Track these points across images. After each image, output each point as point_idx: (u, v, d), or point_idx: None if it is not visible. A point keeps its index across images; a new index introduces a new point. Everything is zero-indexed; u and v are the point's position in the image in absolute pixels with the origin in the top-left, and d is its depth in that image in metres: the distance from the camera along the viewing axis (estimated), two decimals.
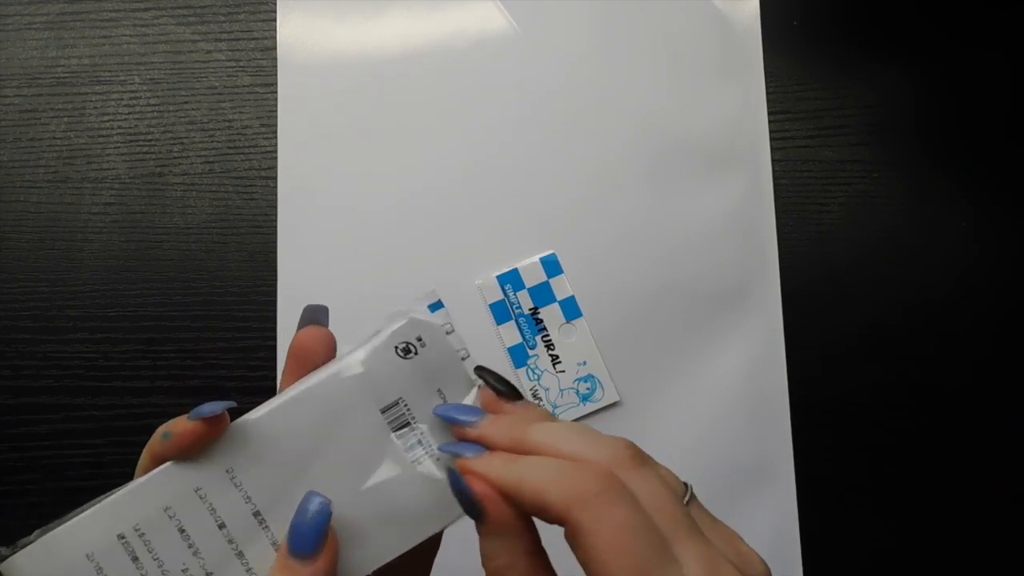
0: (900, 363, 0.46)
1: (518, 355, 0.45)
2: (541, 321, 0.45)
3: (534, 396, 0.44)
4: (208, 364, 0.45)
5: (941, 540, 0.45)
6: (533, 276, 0.45)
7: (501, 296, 0.45)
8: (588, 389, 0.45)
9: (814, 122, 0.48)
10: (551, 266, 0.45)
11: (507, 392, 0.25)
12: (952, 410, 0.46)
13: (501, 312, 0.45)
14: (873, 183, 0.48)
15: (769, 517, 0.44)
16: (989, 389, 0.46)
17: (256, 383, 0.45)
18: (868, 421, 0.46)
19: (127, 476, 0.44)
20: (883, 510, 0.45)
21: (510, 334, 0.45)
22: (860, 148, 0.48)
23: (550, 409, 0.43)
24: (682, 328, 0.46)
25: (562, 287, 0.45)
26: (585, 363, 0.45)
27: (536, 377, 0.44)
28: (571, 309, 0.45)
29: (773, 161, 0.47)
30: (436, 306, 0.45)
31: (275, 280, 0.45)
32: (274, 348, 0.45)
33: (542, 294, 0.45)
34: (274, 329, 0.45)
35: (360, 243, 0.46)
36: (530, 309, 0.45)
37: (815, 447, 0.45)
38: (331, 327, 0.45)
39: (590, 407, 0.45)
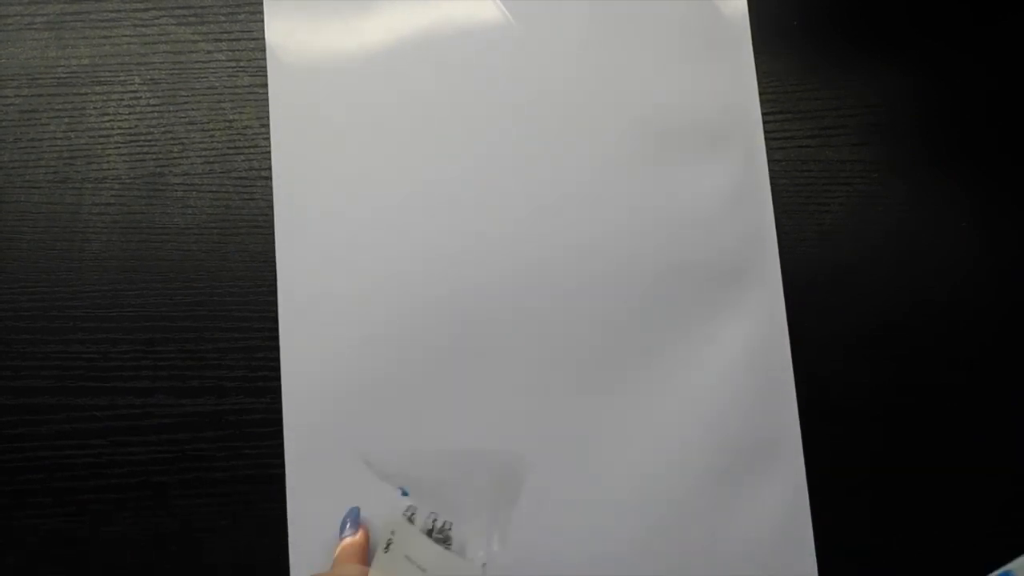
0: (900, 363, 0.46)
1: None
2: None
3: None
4: (208, 364, 0.45)
5: (936, 539, 0.45)
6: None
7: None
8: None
9: (814, 122, 0.48)
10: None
11: None
12: (951, 409, 0.46)
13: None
14: (873, 183, 0.48)
15: (778, 492, 0.44)
16: (989, 388, 0.46)
17: (256, 383, 0.45)
18: (868, 418, 0.46)
19: (127, 476, 0.44)
20: (881, 505, 0.45)
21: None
22: (860, 148, 0.48)
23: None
24: (683, 310, 0.46)
25: None
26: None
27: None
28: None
29: (773, 161, 0.47)
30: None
31: (275, 280, 0.45)
32: (275, 348, 0.45)
33: None
34: (275, 329, 0.45)
35: (358, 239, 0.46)
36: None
37: (813, 445, 0.45)
38: (336, 321, 0.45)
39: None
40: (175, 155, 0.47)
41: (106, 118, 0.47)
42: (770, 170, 0.47)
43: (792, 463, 0.45)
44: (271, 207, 0.46)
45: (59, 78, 0.47)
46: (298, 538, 0.43)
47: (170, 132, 0.47)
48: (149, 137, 0.47)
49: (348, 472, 0.44)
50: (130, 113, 0.47)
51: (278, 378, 0.45)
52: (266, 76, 0.47)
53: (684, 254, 0.46)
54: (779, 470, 0.45)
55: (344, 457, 0.44)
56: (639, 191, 0.46)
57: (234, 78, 0.47)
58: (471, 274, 0.45)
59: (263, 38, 0.47)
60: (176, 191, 0.46)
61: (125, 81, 0.47)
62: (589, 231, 0.46)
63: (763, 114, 0.48)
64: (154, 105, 0.47)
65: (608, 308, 0.46)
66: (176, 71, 0.47)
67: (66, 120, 0.47)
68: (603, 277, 0.46)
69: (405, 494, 0.43)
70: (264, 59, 0.47)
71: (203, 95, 0.47)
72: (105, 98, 0.47)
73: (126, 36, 0.47)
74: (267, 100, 0.47)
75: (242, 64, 0.47)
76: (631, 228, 0.46)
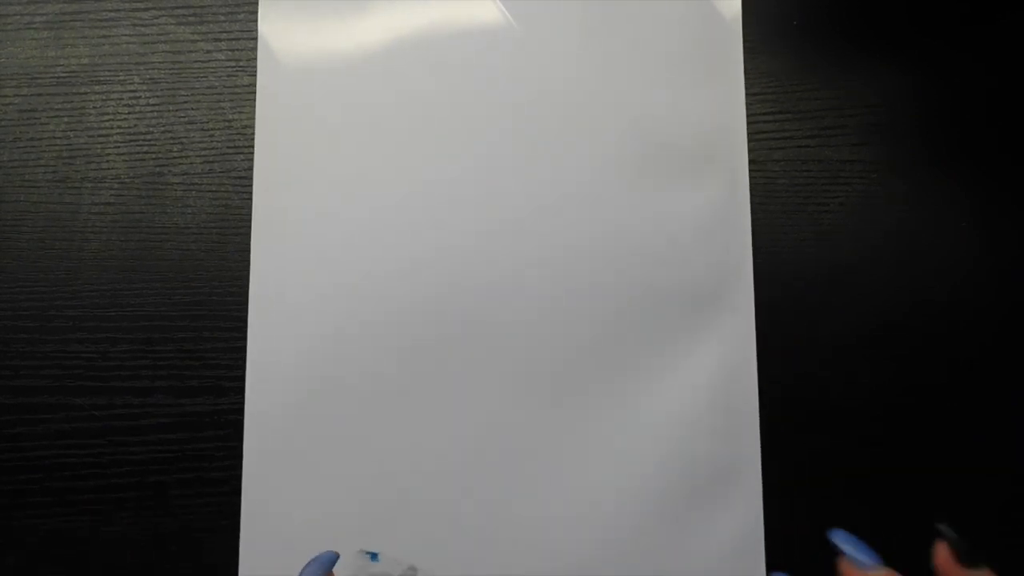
0: (900, 363, 0.46)
1: None
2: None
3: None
4: (208, 364, 0.45)
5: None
6: None
7: None
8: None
9: (814, 122, 0.48)
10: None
11: (965, 557, 0.26)
12: (951, 409, 0.46)
13: None
14: (873, 183, 0.48)
15: (734, 519, 0.44)
16: (989, 388, 0.46)
17: None
18: (868, 418, 0.46)
19: (127, 476, 0.44)
20: (881, 505, 0.45)
21: None
22: (860, 148, 0.48)
23: None
24: (655, 334, 0.45)
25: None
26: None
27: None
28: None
29: (772, 161, 0.47)
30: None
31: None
32: None
33: None
34: None
35: (353, 240, 0.45)
36: None
37: (812, 446, 0.45)
38: (308, 322, 0.45)
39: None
40: (175, 155, 0.47)
41: (105, 118, 0.47)
42: (769, 169, 0.47)
43: (750, 493, 0.44)
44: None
45: (58, 78, 0.47)
46: (250, 543, 0.43)
47: (170, 132, 0.47)
48: (149, 137, 0.47)
49: (307, 484, 0.44)
50: (129, 113, 0.47)
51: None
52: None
53: (659, 273, 0.46)
54: (736, 498, 0.44)
55: (305, 466, 0.44)
56: (632, 198, 0.46)
57: (233, 78, 0.47)
58: (462, 276, 0.45)
59: None
60: (175, 191, 0.46)
61: (124, 81, 0.47)
62: (588, 232, 0.46)
63: (762, 114, 0.48)
64: (154, 105, 0.47)
65: (581, 323, 0.45)
66: (175, 71, 0.47)
67: (65, 120, 0.47)
68: (586, 287, 0.45)
69: (375, 559, 0.42)
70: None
71: (202, 95, 0.47)
72: (104, 98, 0.47)
73: (125, 36, 0.47)
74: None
75: (242, 64, 0.47)
76: (607, 243, 0.46)
